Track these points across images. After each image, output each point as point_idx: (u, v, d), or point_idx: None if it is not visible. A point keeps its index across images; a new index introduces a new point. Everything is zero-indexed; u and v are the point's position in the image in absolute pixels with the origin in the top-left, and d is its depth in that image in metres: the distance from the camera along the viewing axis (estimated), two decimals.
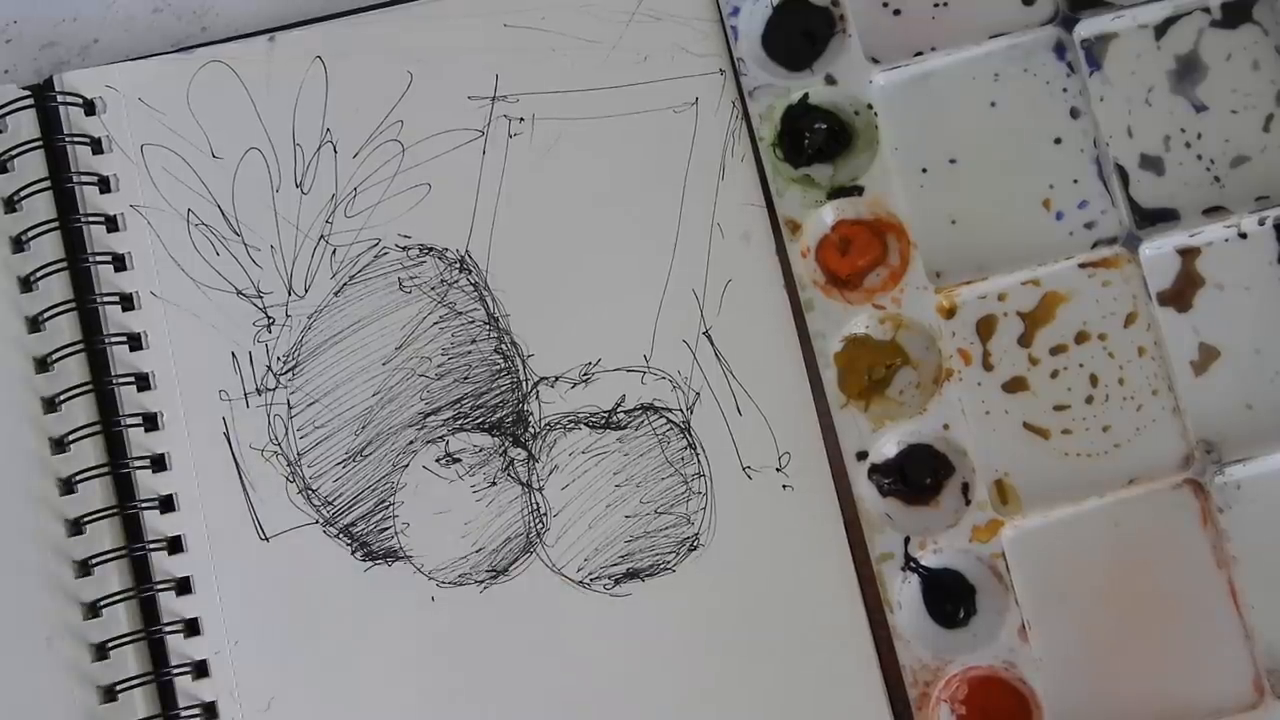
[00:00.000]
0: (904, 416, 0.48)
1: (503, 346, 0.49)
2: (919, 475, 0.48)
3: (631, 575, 0.48)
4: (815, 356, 0.49)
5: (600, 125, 0.50)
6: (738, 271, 0.49)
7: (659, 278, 0.49)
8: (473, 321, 0.49)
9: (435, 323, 0.49)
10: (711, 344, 0.49)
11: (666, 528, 0.48)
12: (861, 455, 0.48)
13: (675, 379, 0.49)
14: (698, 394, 0.49)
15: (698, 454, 0.49)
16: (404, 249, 0.49)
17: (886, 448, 0.49)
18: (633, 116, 0.50)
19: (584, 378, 0.49)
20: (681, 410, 0.49)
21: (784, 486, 0.48)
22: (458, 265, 0.49)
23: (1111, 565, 0.47)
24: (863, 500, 0.48)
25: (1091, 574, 0.47)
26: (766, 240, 0.50)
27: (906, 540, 0.48)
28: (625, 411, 0.49)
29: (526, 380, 0.49)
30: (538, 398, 0.49)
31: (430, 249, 0.49)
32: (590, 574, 0.48)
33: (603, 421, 0.49)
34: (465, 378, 0.49)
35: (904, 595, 0.48)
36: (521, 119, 0.50)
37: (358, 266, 0.49)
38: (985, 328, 0.49)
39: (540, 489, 0.48)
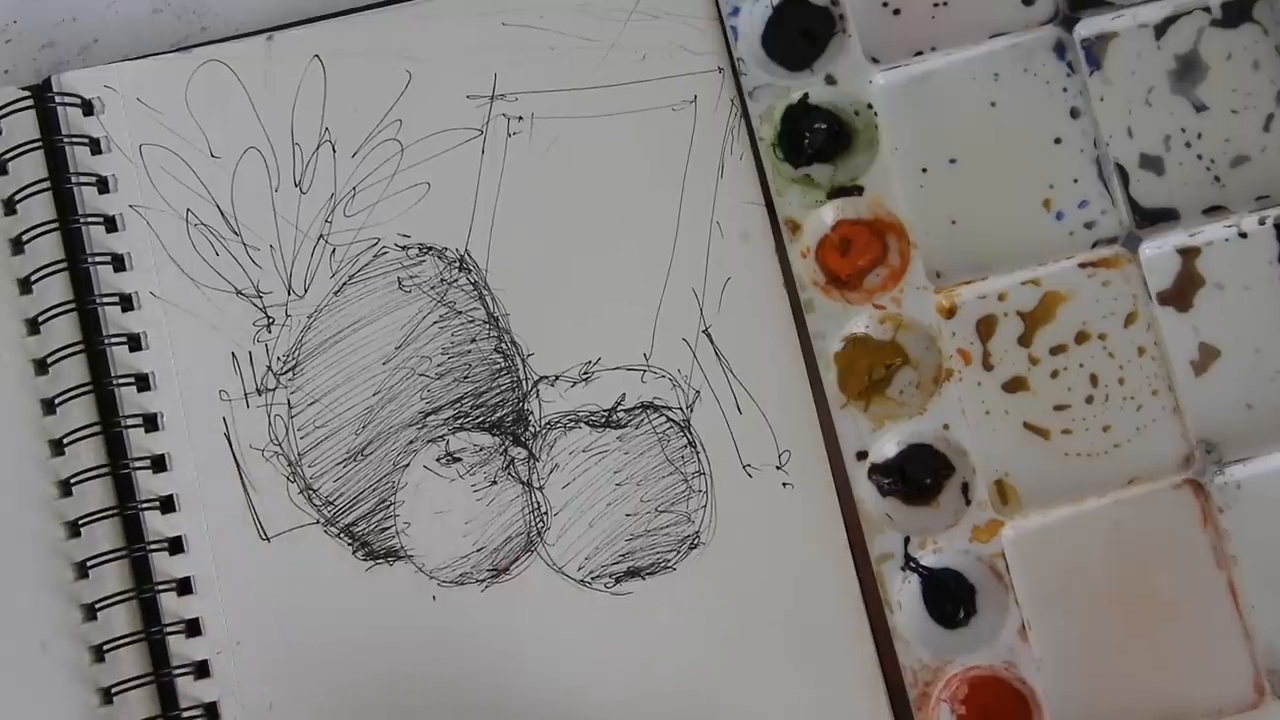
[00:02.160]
0: (904, 416, 0.49)
1: (503, 345, 0.50)
2: (919, 475, 0.50)
3: (632, 574, 0.49)
4: (815, 356, 0.50)
5: (599, 124, 0.51)
6: (737, 270, 0.50)
7: (658, 276, 0.50)
8: (472, 321, 0.50)
9: (435, 322, 0.50)
10: (711, 342, 0.50)
11: (667, 526, 0.49)
12: (861, 455, 0.49)
13: (675, 377, 0.50)
14: (698, 392, 0.50)
15: (698, 452, 0.50)
16: (403, 248, 0.50)
17: (886, 448, 0.50)
18: (631, 115, 0.51)
19: (584, 376, 0.50)
20: (681, 409, 0.50)
21: (784, 484, 0.49)
22: (457, 264, 0.50)
23: (1111, 565, 0.49)
24: (863, 500, 0.49)
25: (1091, 574, 0.49)
26: (766, 238, 0.51)
27: (906, 540, 0.49)
28: (625, 410, 0.50)
29: (527, 379, 0.50)
30: (538, 397, 0.50)
31: (430, 248, 0.50)
32: (591, 573, 0.49)
33: (603, 420, 0.50)
34: (465, 377, 0.50)
35: (904, 595, 0.49)
36: (520, 118, 0.51)
37: (357, 266, 0.50)
38: (985, 328, 0.50)
39: (541, 488, 0.50)
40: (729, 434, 0.50)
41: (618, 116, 0.51)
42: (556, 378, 0.50)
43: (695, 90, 0.51)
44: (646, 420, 0.50)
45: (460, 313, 0.50)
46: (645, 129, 0.51)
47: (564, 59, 0.51)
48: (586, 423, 0.50)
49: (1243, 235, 0.50)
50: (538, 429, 0.50)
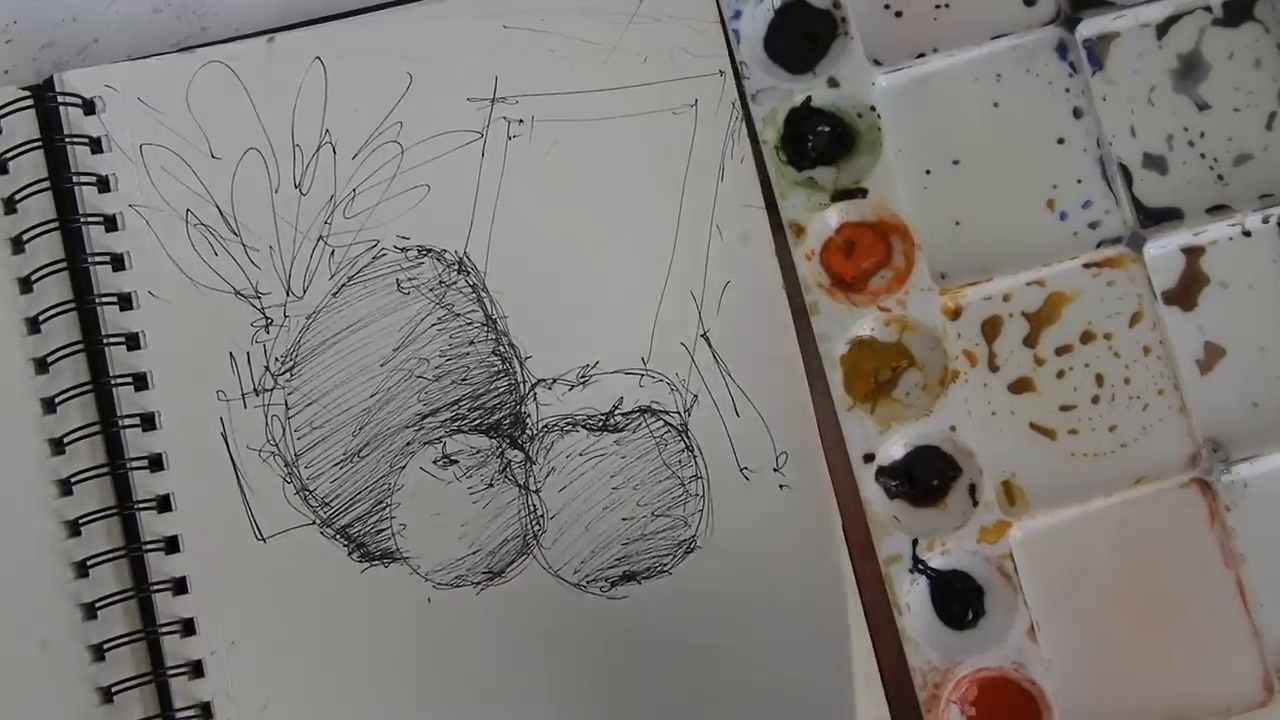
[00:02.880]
0: (910, 418, 0.51)
1: (501, 348, 0.52)
2: (926, 477, 0.52)
3: (628, 577, 0.51)
4: (820, 359, 0.52)
5: (600, 127, 0.53)
6: (736, 273, 0.52)
7: (658, 280, 0.52)
8: (471, 323, 0.52)
9: (433, 324, 0.52)
10: (709, 346, 0.52)
11: (663, 530, 0.51)
12: (868, 458, 0.51)
13: (673, 381, 0.52)
14: (695, 396, 0.52)
15: (695, 456, 0.52)
16: (402, 250, 0.52)
17: (893, 450, 0.52)
18: (632, 118, 0.53)
19: (582, 380, 0.52)
20: (679, 412, 0.52)
21: (781, 486, 0.51)
22: (456, 267, 0.53)
23: (1119, 565, 0.50)
24: (870, 503, 0.51)
25: (1099, 574, 0.50)
26: (765, 242, 0.53)
27: (914, 542, 0.51)
28: (623, 414, 0.52)
29: (524, 382, 0.52)
30: (535, 400, 0.52)
31: (429, 250, 0.53)
32: (587, 576, 0.51)
33: (600, 424, 0.52)
34: (463, 379, 0.52)
35: (912, 597, 0.51)
36: (521, 121, 0.53)
37: (356, 267, 0.52)
38: (990, 329, 0.52)
39: (537, 491, 0.52)
40: (726, 437, 0.52)
41: (618, 120, 0.53)
42: (554, 381, 0.52)
43: (696, 94, 0.53)
44: (644, 424, 0.52)
45: (459, 315, 0.52)
46: (646, 132, 0.53)
47: (565, 62, 0.53)
48: (584, 426, 0.52)
49: (1246, 234, 0.52)
50: (535, 432, 0.52)
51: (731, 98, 0.53)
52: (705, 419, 0.52)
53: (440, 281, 0.53)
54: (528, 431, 0.52)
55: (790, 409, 0.52)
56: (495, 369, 0.52)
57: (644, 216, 0.53)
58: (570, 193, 0.53)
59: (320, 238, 0.53)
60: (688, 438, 0.52)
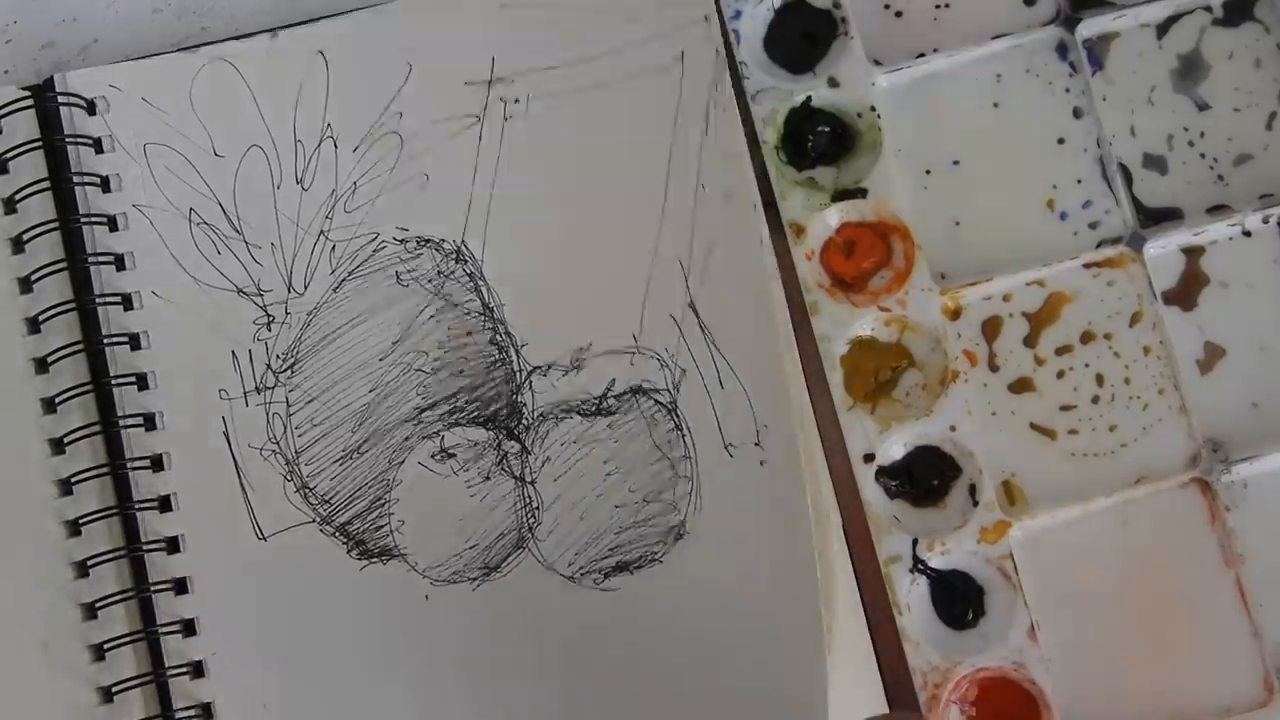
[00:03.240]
0: (910, 418, 0.52)
1: (498, 337, 0.53)
2: (926, 477, 0.52)
3: (620, 568, 0.52)
4: (820, 359, 0.52)
5: (592, 95, 0.53)
6: (720, 234, 0.53)
7: (647, 250, 0.53)
8: (469, 313, 0.53)
9: (432, 315, 0.53)
10: (696, 315, 0.52)
11: (654, 517, 0.52)
12: (868, 458, 0.52)
13: (663, 356, 0.52)
14: (684, 371, 0.52)
15: (684, 435, 0.52)
16: (402, 242, 0.53)
17: (893, 450, 0.52)
18: (622, 82, 0.53)
19: (575, 364, 0.53)
20: (669, 389, 0.52)
21: (761, 463, 0.52)
22: (454, 256, 0.53)
23: (1119, 565, 0.51)
24: (870, 503, 0.52)
25: (1100, 574, 0.51)
26: (747, 198, 0.53)
27: (914, 542, 0.51)
28: (615, 396, 0.52)
29: (520, 371, 0.53)
30: (531, 388, 0.52)
31: (427, 240, 0.53)
32: (581, 569, 0.52)
33: (593, 408, 0.52)
34: (461, 371, 0.53)
35: (912, 597, 0.51)
36: (516, 100, 0.53)
37: (356, 261, 0.53)
38: (990, 329, 0.53)
39: (533, 482, 0.52)
40: (712, 413, 0.52)
41: (610, 87, 0.53)
42: (549, 367, 0.53)
43: (682, 45, 0.53)
44: (635, 405, 0.52)
45: (457, 305, 0.53)
46: (635, 96, 0.53)
47: (559, 33, 0.53)
48: (578, 412, 0.52)
49: (1246, 234, 0.53)
50: (530, 421, 0.53)
51: (716, 44, 0.54)
52: (693, 394, 0.52)
53: (439, 272, 0.53)
54: (524, 421, 0.53)
55: (771, 379, 0.52)
56: (492, 358, 0.53)
57: (634, 183, 0.53)
58: (563, 168, 0.53)
59: (321, 233, 0.53)
60: (677, 416, 0.52)
